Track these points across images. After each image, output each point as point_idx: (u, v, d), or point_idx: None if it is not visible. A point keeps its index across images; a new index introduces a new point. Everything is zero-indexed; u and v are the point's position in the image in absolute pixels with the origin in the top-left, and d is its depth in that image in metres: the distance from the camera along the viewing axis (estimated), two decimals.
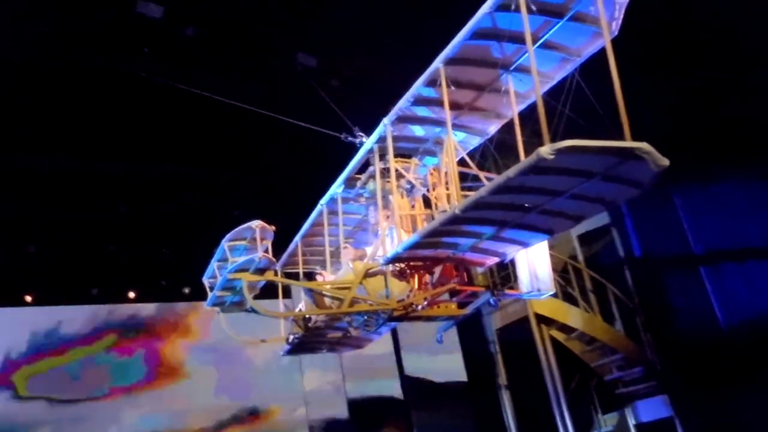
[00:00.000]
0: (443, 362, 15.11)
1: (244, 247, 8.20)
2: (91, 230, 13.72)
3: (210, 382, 14.43)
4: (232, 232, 8.04)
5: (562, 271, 13.87)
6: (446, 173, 6.91)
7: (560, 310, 13.30)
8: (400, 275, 7.00)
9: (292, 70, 10.79)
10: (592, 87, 5.61)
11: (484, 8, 5.36)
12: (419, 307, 7.08)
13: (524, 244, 6.43)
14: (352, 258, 7.43)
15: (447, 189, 6.84)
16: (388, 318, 7.09)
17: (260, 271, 7.05)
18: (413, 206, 7.28)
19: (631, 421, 13.71)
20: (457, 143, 6.67)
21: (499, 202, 5.36)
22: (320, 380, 14.93)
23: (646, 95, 10.09)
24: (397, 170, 7.03)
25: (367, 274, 6.94)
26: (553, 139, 4.48)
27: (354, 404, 14.94)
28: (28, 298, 13.87)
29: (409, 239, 6.42)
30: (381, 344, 13.24)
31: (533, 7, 5.10)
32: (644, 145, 4.39)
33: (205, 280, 8.65)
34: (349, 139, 7.94)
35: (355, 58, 11.54)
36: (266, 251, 7.63)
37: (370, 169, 7.31)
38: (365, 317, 7.35)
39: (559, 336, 13.65)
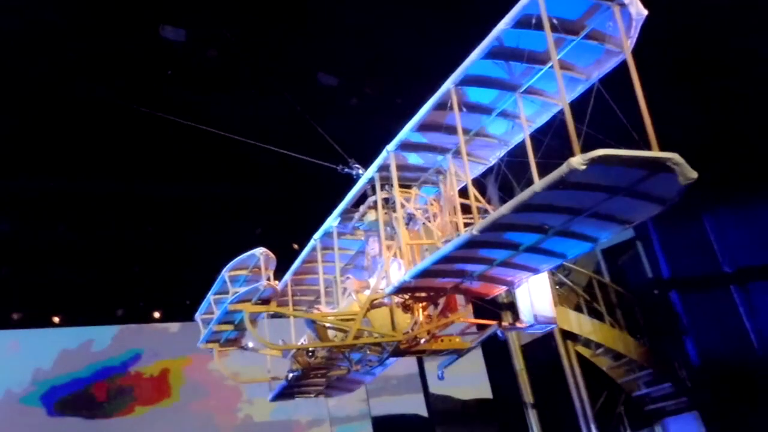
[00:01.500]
0: (468, 380, 14.99)
1: (245, 277, 7.84)
2: (117, 252, 13.92)
3: (235, 400, 14.47)
4: (234, 260, 7.73)
5: (587, 286, 13.74)
6: (448, 202, 6.73)
7: (586, 326, 13.13)
8: (404, 307, 6.77)
9: (297, 97, 10.85)
10: (612, 103, 5.48)
11: (502, 25, 5.21)
12: (422, 340, 6.86)
13: (535, 271, 6.24)
14: (355, 289, 7.16)
15: (453, 216, 6.63)
16: (392, 352, 6.83)
17: (264, 301, 6.71)
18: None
19: None
20: (462, 170, 6.49)
21: (517, 222, 5.17)
22: (345, 398, 14.89)
23: (672, 114, 10.01)
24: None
25: (371, 306, 6.70)
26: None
27: (378, 422, 14.86)
28: (56, 319, 14.08)
29: (418, 265, 6.20)
30: (405, 362, 13.19)
31: (554, 23, 4.95)
32: (676, 156, 4.28)
33: (199, 317, 8.25)
34: (346, 170, 7.79)
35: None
36: (269, 280, 7.27)
37: (369, 200, 7.15)
38: (364, 353, 7.07)
39: (585, 352, 13.47)
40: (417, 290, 6.64)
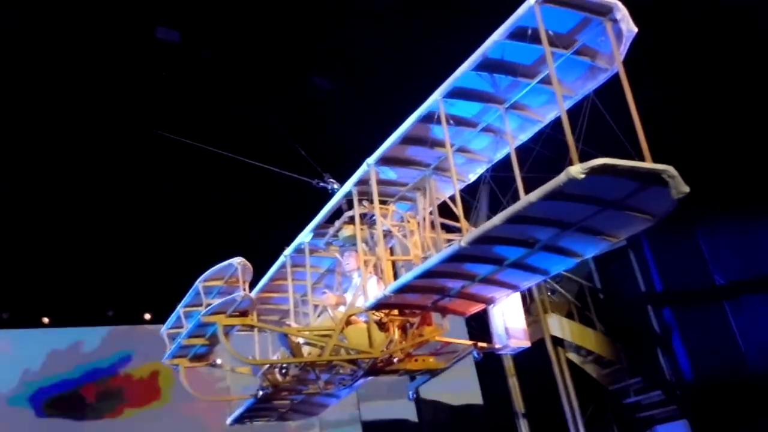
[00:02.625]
0: (458, 385, 14.97)
1: (219, 289, 7.54)
2: (108, 253, 13.86)
3: (225, 402, 14.39)
4: (210, 270, 7.43)
5: (578, 293, 13.76)
6: (425, 218, 6.62)
7: (577, 333, 13.16)
8: (379, 325, 6.62)
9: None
10: (607, 115, 5.41)
11: (495, 36, 5.12)
12: (396, 360, 6.72)
13: (516, 288, 6.15)
14: (331, 304, 6.98)
15: (432, 232, 6.52)
16: (366, 370, 6.65)
17: (241, 313, 6.39)
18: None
19: None
20: (440, 186, 6.46)
21: (506, 235, 5.09)
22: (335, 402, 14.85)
23: (665, 127, 10.06)
24: (374, 216, 6.67)
25: (348, 322, 6.55)
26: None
27: (369, 427, 14.82)
28: (46, 320, 13.99)
29: (400, 279, 6.06)
30: None
31: (550, 35, 4.86)
32: (671, 169, 4.28)
33: (165, 332, 7.96)
34: (321, 184, 7.69)
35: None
36: (245, 291, 7.01)
37: (346, 214, 6.97)
38: (335, 372, 6.91)
39: (576, 359, 13.50)
40: (395, 306, 6.48)
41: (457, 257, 5.42)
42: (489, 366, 14.88)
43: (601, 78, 5.24)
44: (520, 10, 4.87)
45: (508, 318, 6.90)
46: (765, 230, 12.37)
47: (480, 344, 6.97)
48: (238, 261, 7.18)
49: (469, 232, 5.23)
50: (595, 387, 13.65)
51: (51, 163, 12.07)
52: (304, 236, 7.52)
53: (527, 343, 7.13)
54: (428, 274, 5.77)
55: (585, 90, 5.38)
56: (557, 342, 13.29)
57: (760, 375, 12.02)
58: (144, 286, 14.35)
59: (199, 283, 7.54)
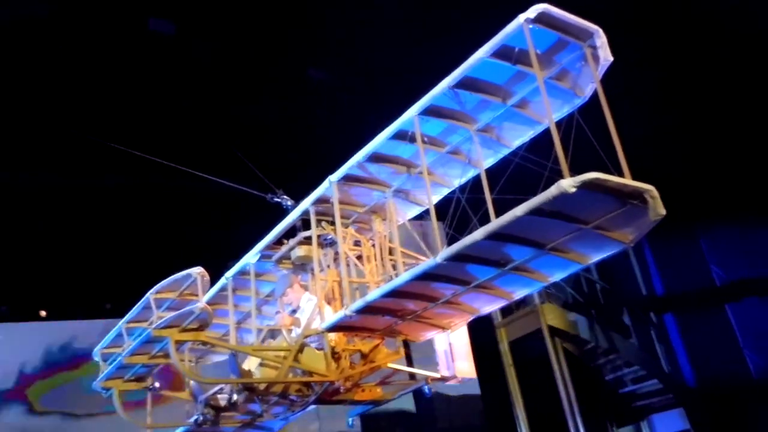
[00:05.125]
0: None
1: (170, 302, 7.12)
2: (105, 246, 13.83)
3: None
4: (165, 281, 7.01)
5: (575, 283, 13.79)
6: (380, 243, 6.40)
7: (573, 323, 13.20)
8: (331, 349, 6.25)
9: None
10: (590, 134, 5.18)
11: (480, 53, 4.91)
12: (342, 388, 6.41)
13: (475, 313, 5.93)
14: (286, 325, 6.59)
15: (391, 256, 6.28)
16: (317, 396, 6.29)
17: (199, 326, 5.91)
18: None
19: None
20: (400, 209, 6.30)
21: (481, 254, 4.90)
22: None
23: (673, 135, 10.09)
24: (331, 238, 6.41)
25: (302, 344, 6.20)
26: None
27: (367, 418, 14.86)
28: (43, 313, 13.96)
29: (364, 298, 5.73)
30: None
31: (538, 54, 4.67)
32: (654, 189, 4.22)
33: (99, 352, 7.39)
34: (275, 199, 7.28)
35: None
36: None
37: (301, 234, 6.60)
38: (277, 398, 6.49)
39: (573, 348, 13.55)
40: (353, 329, 6.19)
41: (429, 275, 5.22)
42: (486, 357, 14.95)
43: (576, 103, 5.12)
44: (509, 29, 4.69)
45: (455, 347, 6.73)
46: (766, 231, 12.40)
47: (431, 375, 6.67)
48: (197, 271, 6.76)
49: (447, 248, 4.96)
50: (593, 376, 13.71)
51: (48, 154, 12.03)
52: (251, 257, 7.02)
53: (473, 375, 6.98)
54: (395, 293, 5.51)
55: (560, 114, 5.21)
56: (554, 332, 13.33)
57: (761, 377, 12.07)
58: (142, 280, 14.30)
59: (150, 295, 7.12)
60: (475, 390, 15.55)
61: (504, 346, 14.80)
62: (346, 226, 6.52)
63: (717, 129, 11.85)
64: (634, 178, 4.36)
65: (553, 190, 4.11)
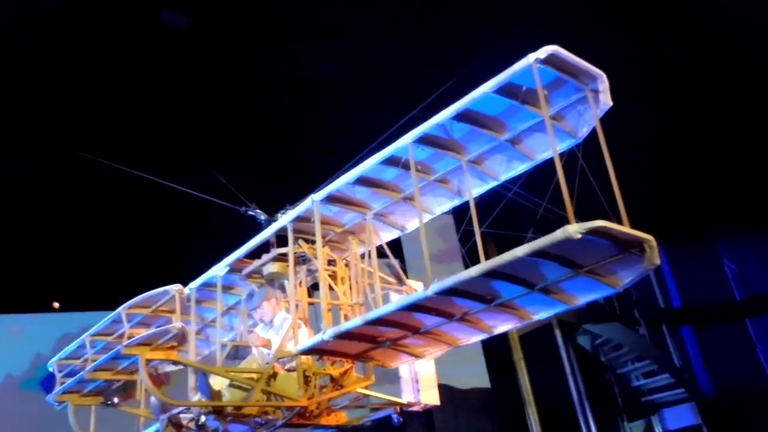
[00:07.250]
0: (466, 368, 15.01)
1: (141, 317, 6.99)
2: (119, 238, 13.94)
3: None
4: (140, 296, 6.87)
5: None
6: (357, 264, 6.27)
7: (583, 317, 13.16)
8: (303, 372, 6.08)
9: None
10: (591, 177, 5.16)
11: (485, 87, 4.82)
12: (308, 413, 6.20)
13: (452, 344, 5.80)
14: (257, 345, 6.33)
15: (369, 280, 6.18)
16: (286, 420, 6.10)
17: (174, 344, 5.73)
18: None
19: (658, 429, 13.52)
20: (379, 233, 6.23)
21: (473, 289, 4.84)
22: None
23: (694, 148, 9.97)
24: (305, 256, 6.28)
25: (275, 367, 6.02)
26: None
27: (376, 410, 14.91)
28: (56, 305, 14.11)
29: (345, 324, 5.58)
30: None
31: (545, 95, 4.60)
32: (653, 240, 4.19)
33: (56, 363, 7.25)
34: (250, 212, 7.07)
35: None
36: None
37: (275, 251, 6.44)
38: (250, 420, 6.26)
39: (584, 342, 13.52)
40: (327, 353, 6.02)
41: (416, 306, 5.15)
42: (497, 351, 14.95)
43: (572, 143, 5.09)
44: (517, 67, 4.64)
45: (420, 372, 6.63)
46: None
47: (398, 402, 6.56)
48: (176, 288, 6.66)
49: (439, 281, 4.84)
50: (603, 371, 13.68)
51: (62, 147, 12.10)
52: (219, 269, 6.73)
53: (436, 402, 6.81)
54: (377, 321, 5.39)
55: (548, 154, 5.17)
56: (564, 326, 13.31)
57: None
58: (154, 272, 14.40)
59: (122, 310, 6.96)
60: (486, 383, 15.54)
61: (514, 340, 14.81)
62: (322, 245, 6.30)
63: (739, 140, 11.70)
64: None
65: (558, 235, 4.07)
